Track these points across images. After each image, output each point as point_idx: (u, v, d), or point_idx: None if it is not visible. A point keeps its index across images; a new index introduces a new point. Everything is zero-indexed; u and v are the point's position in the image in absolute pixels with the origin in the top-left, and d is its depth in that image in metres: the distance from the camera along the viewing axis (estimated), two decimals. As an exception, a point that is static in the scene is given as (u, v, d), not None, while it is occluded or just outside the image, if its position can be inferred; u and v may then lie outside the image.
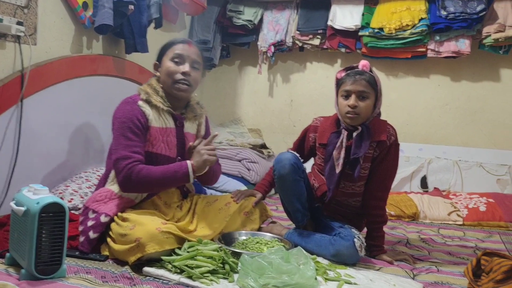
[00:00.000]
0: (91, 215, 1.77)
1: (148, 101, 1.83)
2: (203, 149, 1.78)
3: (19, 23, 2.01)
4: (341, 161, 1.88)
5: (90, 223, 1.75)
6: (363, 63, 1.90)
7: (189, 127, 1.96)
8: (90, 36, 2.57)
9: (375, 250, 1.93)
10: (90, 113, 2.43)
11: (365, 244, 1.86)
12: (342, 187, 1.96)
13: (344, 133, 1.89)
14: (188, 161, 1.77)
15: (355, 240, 1.80)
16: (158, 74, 1.90)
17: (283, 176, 1.92)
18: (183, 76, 1.84)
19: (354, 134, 1.87)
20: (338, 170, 1.89)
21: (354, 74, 1.87)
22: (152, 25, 2.89)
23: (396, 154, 1.95)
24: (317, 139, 2.02)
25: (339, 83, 1.92)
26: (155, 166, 1.77)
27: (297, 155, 1.99)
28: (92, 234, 1.72)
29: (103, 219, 1.73)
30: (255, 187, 2.14)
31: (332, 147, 1.92)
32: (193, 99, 2.00)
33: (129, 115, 1.78)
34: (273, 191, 3.20)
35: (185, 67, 1.84)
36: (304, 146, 2.09)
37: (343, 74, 1.92)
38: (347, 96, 1.87)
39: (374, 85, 1.87)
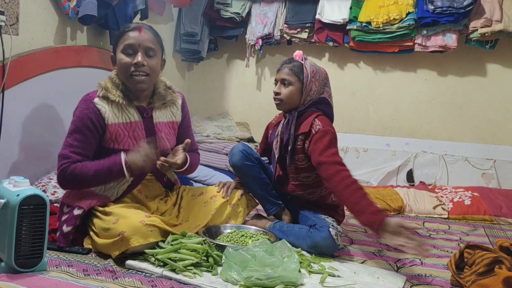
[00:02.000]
0: (66, 209, 1.75)
1: (105, 97, 1.77)
2: (146, 156, 1.68)
3: (0, 13, 1.97)
4: (278, 146, 2.01)
5: (64, 217, 1.73)
6: (296, 53, 1.99)
7: (160, 116, 1.89)
8: (74, 27, 2.53)
9: (377, 226, 1.65)
10: (74, 105, 2.37)
11: (341, 231, 1.84)
12: (291, 178, 2.03)
13: (282, 122, 2.02)
14: (123, 157, 1.69)
15: (330, 229, 1.78)
16: (115, 67, 1.82)
17: (236, 163, 2.04)
18: (135, 68, 1.74)
19: (283, 123, 2.01)
20: (277, 155, 2.01)
21: (282, 63, 1.99)
22: (138, 16, 2.85)
23: (322, 135, 1.86)
24: (271, 134, 2.16)
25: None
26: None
27: (248, 145, 2.13)
28: (65, 228, 1.69)
29: (76, 212, 1.71)
30: (238, 178, 2.15)
31: (274, 136, 2.06)
32: (160, 86, 1.91)
33: (81, 115, 1.74)
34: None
35: (137, 57, 1.74)
36: (267, 143, 2.20)
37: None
38: (276, 82, 2.01)
39: (298, 73, 1.94)
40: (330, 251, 1.82)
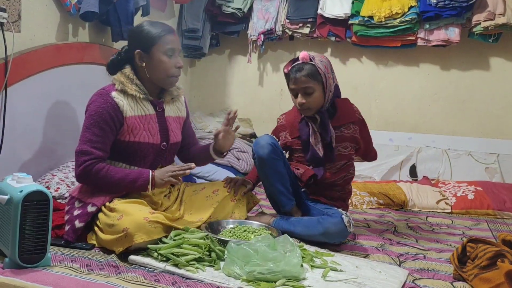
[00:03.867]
0: (78, 204, 1.76)
1: (123, 91, 1.79)
2: (170, 171, 1.73)
3: (1, 10, 1.98)
4: (320, 145, 1.97)
5: (76, 212, 1.74)
6: (302, 56, 1.93)
7: (169, 111, 1.94)
8: (76, 24, 2.54)
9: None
10: (76, 101, 2.40)
11: (353, 221, 1.88)
12: (328, 168, 2.04)
13: (324, 116, 2.00)
14: (150, 173, 1.74)
15: (343, 216, 1.82)
16: (143, 64, 1.82)
17: (262, 156, 1.96)
18: (178, 71, 1.85)
19: (316, 124, 1.99)
20: (321, 154, 1.97)
21: (294, 72, 1.93)
22: (139, 12, 2.85)
23: (367, 130, 2.15)
24: (289, 135, 2.10)
25: (286, 78, 2.00)
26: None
27: (275, 138, 2.05)
28: (78, 224, 1.70)
29: (90, 208, 1.72)
30: (247, 176, 2.15)
31: (306, 135, 2.00)
32: None
33: (99, 109, 1.75)
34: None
35: (179, 61, 1.84)
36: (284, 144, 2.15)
37: (289, 68, 1.97)
38: (295, 94, 1.96)
39: (316, 76, 1.91)
40: (341, 238, 1.84)
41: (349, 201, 2.77)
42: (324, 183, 2.07)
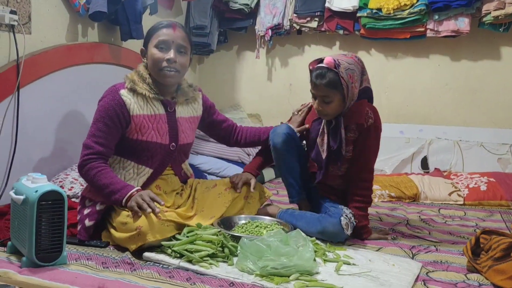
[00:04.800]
0: (87, 203, 1.78)
1: (132, 89, 1.79)
2: (140, 199, 1.65)
3: (12, 12, 2.00)
4: (325, 147, 1.92)
5: (86, 211, 1.76)
6: (327, 61, 1.82)
7: (182, 112, 1.93)
8: (85, 24, 2.56)
9: (363, 233, 1.92)
10: (87, 101, 2.40)
11: (354, 223, 1.85)
12: (330, 170, 2.00)
13: (324, 121, 1.94)
14: (130, 192, 1.68)
15: (342, 218, 1.80)
16: (145, 60, 1.86)
17: (276, 145, 1.98)
18: (167, 64, 1.78)
19: (330, 127, 1.92)
20: (324, 155, 1.93)
21: (315, 77, 1.84)
22: (148, 11, 2.86)
23: (376, 136, 1.94)
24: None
25: (310, 75, 1.91)
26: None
27: (293, 127, 2.03)
28: (87, 222, 1.73)
29: (99, 207, 1.74)
30: (247, 166, 2.12)
31: (315, 134, 1.97)
32: (184, 83, 1.96)
33: (106, 105, 1.76)
34: (273, 175, 3.24)
35: (170, 54, 1.79)
36: None
37: (314, 66, 1.90)
38: (314, 97, 1.91)
39: (337, 86, 1.81)
40: (337, 239, 1.82)
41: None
42: (328, 185, 2.05)
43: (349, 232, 1.81)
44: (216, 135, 2.17)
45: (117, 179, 1.72)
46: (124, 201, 1.67)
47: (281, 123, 2.09)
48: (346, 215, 1.83)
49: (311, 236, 1.81)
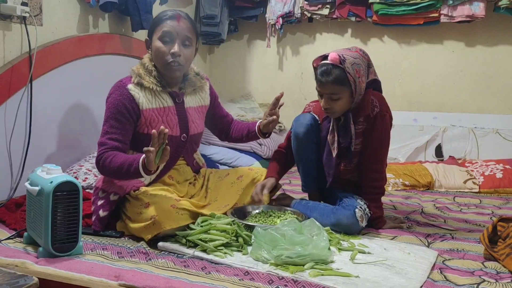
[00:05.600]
0: (101, 194, 1.79)
1: (139, 84, 1.78)
2: (149, 149, 1.54)
3: (23, 4, 2.01)
4: (336, 144, 1.88)
5: (100, 202, 1.77)
6: (331, 57, 1.77)
7: (191, 101, 1.92)
8: (96, 15, 2.55)
9: (377, 223, 1.90)
10: (99, 92, 2.40)
11: (368, 215, 1.84)
12: (341, 168, 1.99)
13: (332, 118, 1.90)
14: (142, 156, 1.59)
15: (356, 210, 1.78)
16: (150, 51, 1.84)
17: (298, 134, 1.96)
18: (172, 58, 1.75)
19: (339, 124, 1.89)
20: (334, 153, 1.90)
21: (321, 75, 1.79)
22: (158, 1, 2.85)
23: (383, 124, 1.88)
24: None
25: (315, 72, 1.87)
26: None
27: (316, 117, 1.99)
28: (102, 213, 1.73)
29: (112, 197, 1.75)
30: (269, 172, 2.02)
31: (326, 131, 1.94)
32: (191, 72, 1.94)
33: (115, 101, 1.75)
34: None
35: (174, 47, 1.75)
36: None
37: (318, 63, 1.85)
38: (320, 95, 1.86)
39: (344, 82, 1.77)
40: (352, 231, 1.80)
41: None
42: (343, 178, 2.03)
43: (363, 224, 1.80)
44: (213, 127, 2.14)
45: (129, 155, 1.68)
46: (141, 162, 1.58)
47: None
48: (360, 207, 1.81)
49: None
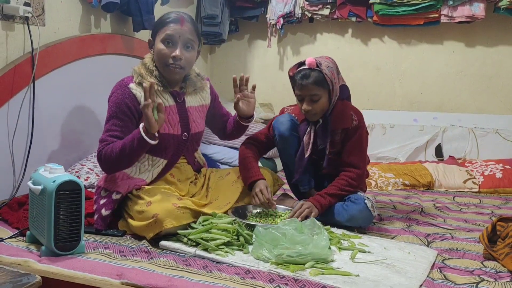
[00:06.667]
0: (103, 193, 1.80)
1: (141, 83, 1.78)
2: (145, 103, 1.60)
3: (26, 4, 2.01)
4: (310, 146, 1.97)
5: (102, 201, 1.78)
6: (308, 61, 1.89)
7: (191, 101, 1.94)
8: (97, 15, 2.56)
9: (311, 199, 1.88)
10: (101, 91, 2.41)
11: (375, 203, 1.89)
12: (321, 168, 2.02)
13: (323, 121, 1.97)
14: (141, 125, 1.64)
15: (366, 201, 1.84)
16: (152, 52, 1.86)
17: (284, 133, 2.01)
18: (173, 61, 1.78)
19: (317, 126, 1.97)
20: (307, 154, 1.97)
21: (301, 79, 1.89)
22: (159, 1, 2.86)
23: (359, 135, 1.96)
24: None
25: (292, 81, 1.97)
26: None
27: (294, 116, 2.05)
28: (104, 212, 1.75)
29: (114, 196, 1.76)
30: (251, 175, 1.95)
31: (303, 133, 2.00)
32: (192, 72, 1.95)
33: (117, 100, 1.76)
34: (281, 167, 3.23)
35: (177, 51, 1.77)
36: (269, 136, 2.10)
37: (295, 71, 1.95)
38: (300, 99, 1.94)
39: (323, 83, 1.88)
40: (367, 222, 1.87)
41: (372, 181, 2.78)
42: (326, 175, 2.05)
43: (376, 213, 1.87)
44: (213, 126, 2.16)
45: (126, 137, 1.70)
46: (141, 131, 1.62)
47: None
48: (368, 198, 1.87)
49: (338, 225, 1.84)
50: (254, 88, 1.98)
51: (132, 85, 1.79)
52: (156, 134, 1.67)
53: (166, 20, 1.80)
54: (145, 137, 1.62)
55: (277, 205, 1.95)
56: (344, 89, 2.01)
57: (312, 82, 1.87)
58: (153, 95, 1.62)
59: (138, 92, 1.78)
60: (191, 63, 1.86)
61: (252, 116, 2.02)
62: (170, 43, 1.79)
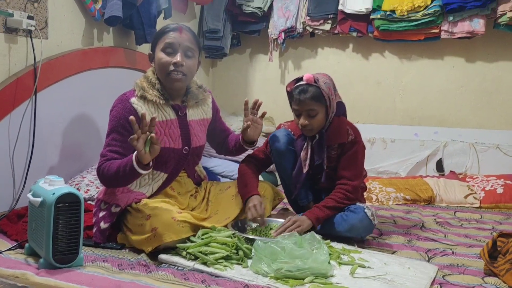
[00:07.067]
0: (103, 206, 1.80)
1: (143, 97, 1.80)
2: (132, 138, 1.58)
3: (29, 17, 2.04)
4: (308, 161, 1.97)
5: (101, 214, 1.78)
6: (306, 77, 1.91)
7: (193, 114, 1.94)
8: (100, 29, 2.59)
9: (307, 212, 1.87)
10: (103, 105, 2.42)
11: (376, 212, 1.89)
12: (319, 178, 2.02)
13: (320, 137, 1.98)
14: (134, 154, 1.62)
15: (366, 210, 1.85)
16: (153, 65, 1.87)
17: (280, 148, 2.01)
18: (174, 68, 1.79)
19: (313, 141, 1.98)
20: (305, 170, 1.98)
21: (298, 94, 1.90)
22: (162, 15, 2.89)
23: (355, 149, 1.95)
24: None
25: (289, 96, 1.99)
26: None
27: (291, 133, 2.06)
28: (103, 225, 1.74)
29: (114, 209, 1.76)
30: (247, 191, 1.94)
31: (300, 149, 2.01)
32: (194, 84, 1.96)
33: (118, 115, 1.77)
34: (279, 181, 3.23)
35: (177, 57, 1.79)
36: (267, 152, 2.10)
37: (292, 86, 1.97)
38: (298, 114, 1.95)
39: (320, 99, 1.90)
40: (367, 232, 1.87)
41: (373, 196, 2.77)
42: (324, 189, 2.04)
43: (376, 222, 1.87)
44: (212, 140, 2.16)
45: (123, 159, 1.68)
46: (134, 160, 1.61)
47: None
48: (367, 207, 1.87)
49: (338, 236, 1.84)
50: (263, 115, 1.98)
51: (133, 100, 1.80)
52: (151, 164, 1.66)
53: (165, 30, 1.83)
54: (136, 167, 1.62)
55: (276, 219, 1.95)
56: (341, 106, 2.02)
57: (310, 97, 1.89)
58: (152, 126, 1.59)
59: (139, 107, 1.79)
60: (193, 72, 1.87)
61: (256, 141, 2.02)
62: (171, 51, 1.80)
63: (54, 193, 1.45)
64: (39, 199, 1.48)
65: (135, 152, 1.61)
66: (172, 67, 1.79)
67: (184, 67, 1.80)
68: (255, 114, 1.97)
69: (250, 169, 2.05)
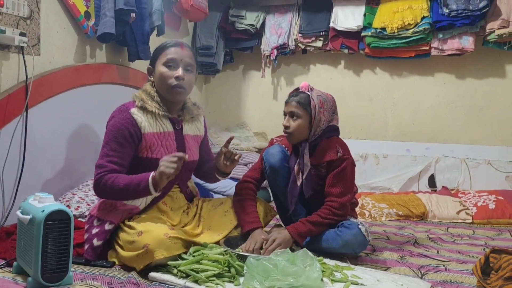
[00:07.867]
0: (96, 223, 1.78)
1: (143, 108, 1.82)
2: (163, 160, 1.65)
3: (22, 34, 2.04)
4: (301, 174, 1.97)
5: (94, 230, 1.75)
6: (302, 84, 1.99)
7: (189, 129, 1.96)
8: (93, 45, 2.60)
9: (289, 226, 1.88)
10: (95, 121, 2.44)
11: (369, 228, 1.89)
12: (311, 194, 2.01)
13: (303, 146, 1.97)
14: (151, 174, 1.67)
15: (360, 226, 1.86)
16: (152, 78, 1.89)
17: (275, 164, 2.01)
18: (176, 82, 1.82)
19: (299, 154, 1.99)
20: (299, 182, 1.98)
21: (289, 96, 1.99)
22: (155, 32, 2.90)
23: (343, 166, 1.94)
24: None
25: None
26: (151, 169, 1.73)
27: (284, 147, 2.07)
28: (96, 242, 1.72)
29: (108, 226, 1.74)
30: (251, 223, 1.91)
31: (293, 164, 2.01)
32: (189, 101, 1.99)
33: (118, 124, 1.77)
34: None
35: (178, 72, 1.82)
36: (263, 170, 2.08)
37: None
38: (284, 114, 2.00)
39: (306, 105, 1.94)
40: (361, 248, 1.87)
41: (366, 212, 2.77)
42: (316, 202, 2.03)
43: (370, 238, 1.88)
44: None
45: (133, 176, 1.71)
46: (150, 182, 1.65)
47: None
48: (361, 223, 1.88)
49: (332, 252, 1.84)
50: (239, 157, 1.92)
51: (133, 110, 1.81)
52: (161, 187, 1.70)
53: (167, 45, 1.87)
54: (151, 189, 1.66)
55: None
56: (333, 129, 2.01)
57: (297, 100, 1.95)
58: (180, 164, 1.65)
59: (139, 117, 1.80)
60: (191, 86, 1.90)
61: (229, 174, 1.98)
62: (172, 66, 1.83)
63: (43, 210, 1.43)
64: (28, 217, 1.45)
65: (152, 173, 1.66)
66: (174, 81, 1.82)
67: (185, 81, 1.84)
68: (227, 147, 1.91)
69: (249, 190, 2.03)
